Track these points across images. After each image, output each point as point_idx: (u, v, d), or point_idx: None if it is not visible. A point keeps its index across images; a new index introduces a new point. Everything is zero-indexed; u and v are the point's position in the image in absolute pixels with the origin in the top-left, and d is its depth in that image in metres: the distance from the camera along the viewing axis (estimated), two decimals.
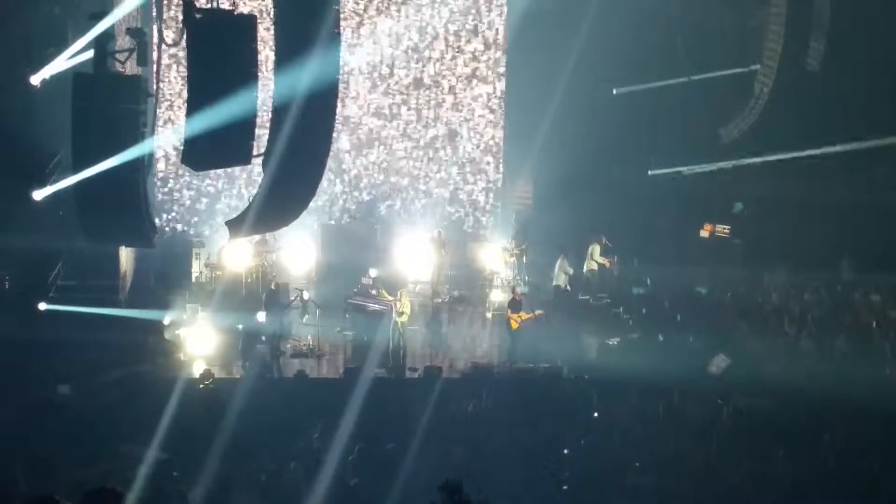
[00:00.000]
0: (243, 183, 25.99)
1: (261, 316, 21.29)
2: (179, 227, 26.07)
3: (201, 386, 19.03)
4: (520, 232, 26.23)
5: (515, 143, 27.05)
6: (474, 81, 26.78)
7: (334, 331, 22.21)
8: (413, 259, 25.07)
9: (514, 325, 21.61)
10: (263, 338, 21.23)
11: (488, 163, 27.10)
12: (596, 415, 19.02)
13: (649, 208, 27.07)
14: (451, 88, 26.70)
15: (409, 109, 26.74)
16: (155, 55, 19.28)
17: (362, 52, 26.38)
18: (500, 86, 26.87)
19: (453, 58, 26.63)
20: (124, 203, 15.81)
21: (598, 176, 26.65)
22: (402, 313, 21.21)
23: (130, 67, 17.23)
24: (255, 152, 15.03)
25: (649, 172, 27.02)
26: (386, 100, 26.61)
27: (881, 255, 24.74)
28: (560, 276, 24.19)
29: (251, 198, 17.39)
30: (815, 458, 17.57)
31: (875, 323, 23.05)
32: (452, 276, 25.56)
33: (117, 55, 16.83)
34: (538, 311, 21.97)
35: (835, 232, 25.82)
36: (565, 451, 17.28)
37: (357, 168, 26.68)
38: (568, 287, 24.27)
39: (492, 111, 26.88)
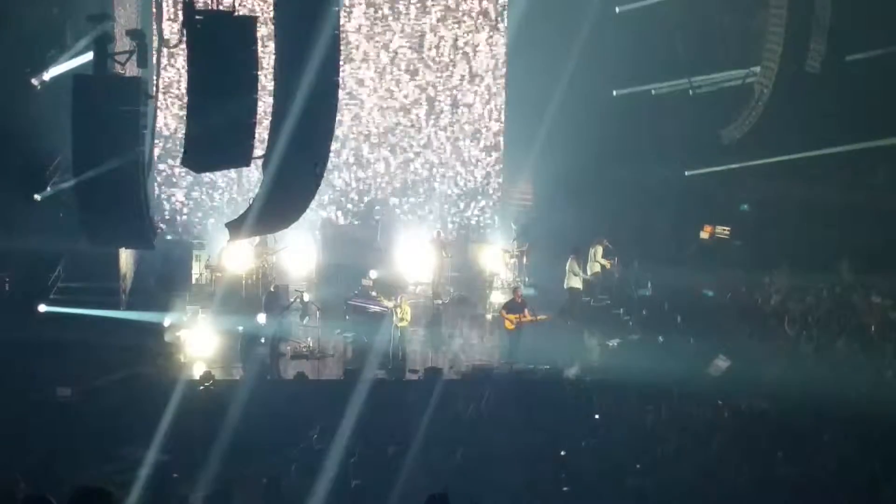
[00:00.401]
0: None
1: (261, 318, 21.24)
2: (184, 216, 26.16)
3: (201, 388, 19.04)
4: (521, 233, 26.18)
5: (515, 143, 27.05)
6: (475, 78, 26.86)
7: (334, 332, 22.17)
8: (414, 260, 25.05)
9: (509, 326, 21.56)
10: (263, 339, 21.16)
11: (489, 142, 27.23)
12: (597, 416, 19.00)
13: (649, 209, 27.04)
14: (453, 72, 26.90)
15: (410, 102, 26.88)
16: (155, 57, 19.29)
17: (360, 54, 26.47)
18: (501, 84, 26.96)
19: (452, 57, 26.75)
20: (125, 204, 15.84)
21: (598, 177, 26.62)
22: (402, 319, 21.17)
23: (130, 69, 17.24)
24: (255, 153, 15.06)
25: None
26: (386, 92, 26.78)
27: (881, 256, 24.70)
28: (571, 277, 23.85)
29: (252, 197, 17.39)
30: (816, 459, 17.54)
31: (875, 324, 23.01)
32: (453, 277, 25.55)
33: (117, 57, 16.84)
34: (541, 316, 21.83)
35: (835, 233, 25.77)
36: (562, 453, 17.26)
37: (355, 157, 26.81)
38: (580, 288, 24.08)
39: (492, 102, 27.00)
